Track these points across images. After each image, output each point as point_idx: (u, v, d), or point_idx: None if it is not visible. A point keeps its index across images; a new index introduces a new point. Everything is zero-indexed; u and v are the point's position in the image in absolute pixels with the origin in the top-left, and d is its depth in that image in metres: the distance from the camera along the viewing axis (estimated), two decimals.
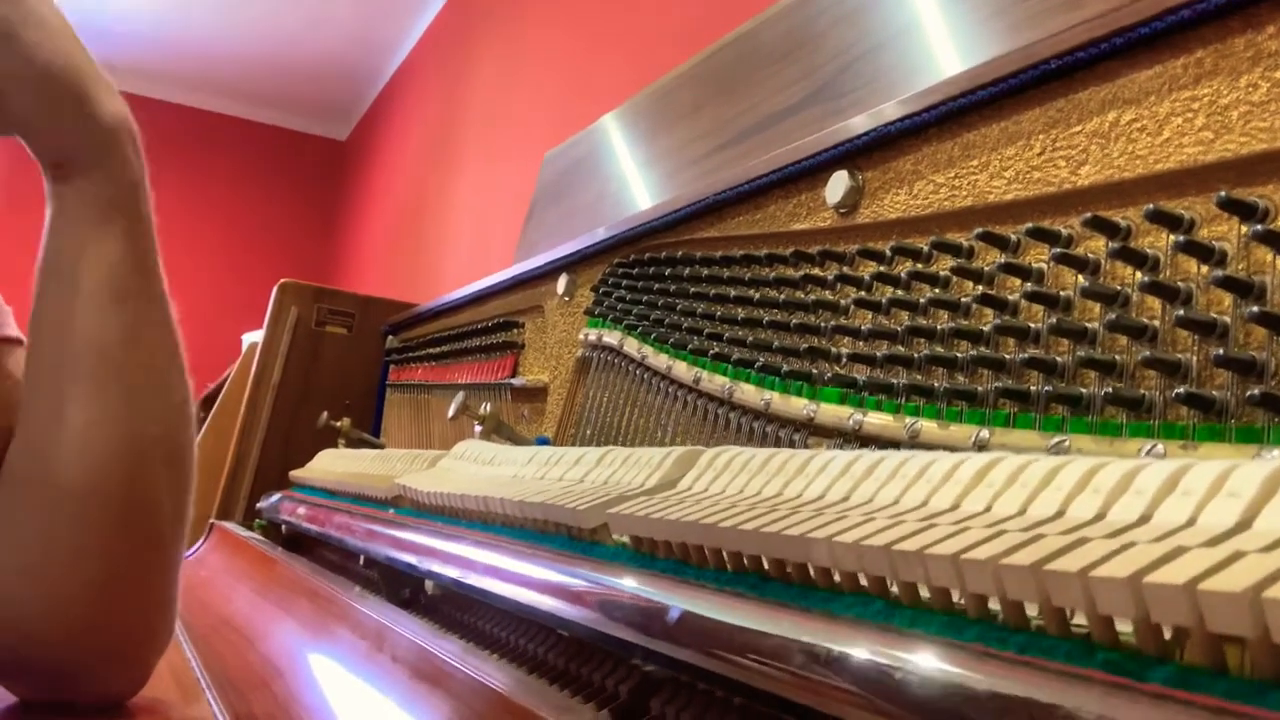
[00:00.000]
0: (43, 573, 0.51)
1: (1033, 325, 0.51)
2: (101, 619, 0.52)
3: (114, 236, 0.53)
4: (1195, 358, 0.43)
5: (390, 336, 1.75)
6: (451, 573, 0.69)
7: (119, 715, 0.54)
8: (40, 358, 0.52)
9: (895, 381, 0.57)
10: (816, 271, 0.69)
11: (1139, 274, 0.47)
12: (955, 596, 0.34)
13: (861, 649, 0.34)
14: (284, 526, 1.34)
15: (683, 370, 0.80)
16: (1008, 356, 0.52)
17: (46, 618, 0.51)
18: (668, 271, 0.89)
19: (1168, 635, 0.27)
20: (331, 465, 1.35)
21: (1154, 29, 0.47)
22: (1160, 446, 0.42)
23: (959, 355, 0.55)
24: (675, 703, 0.48)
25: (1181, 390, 0.42)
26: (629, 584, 0.48)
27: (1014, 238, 0.54)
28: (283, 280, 1.72)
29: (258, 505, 1.47)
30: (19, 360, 0.56)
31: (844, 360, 0.63)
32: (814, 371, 0.64)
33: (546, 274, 1.14)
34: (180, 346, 0.56)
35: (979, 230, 0.55)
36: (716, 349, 0.75)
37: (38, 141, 0.52)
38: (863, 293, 0.64)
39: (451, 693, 0.52)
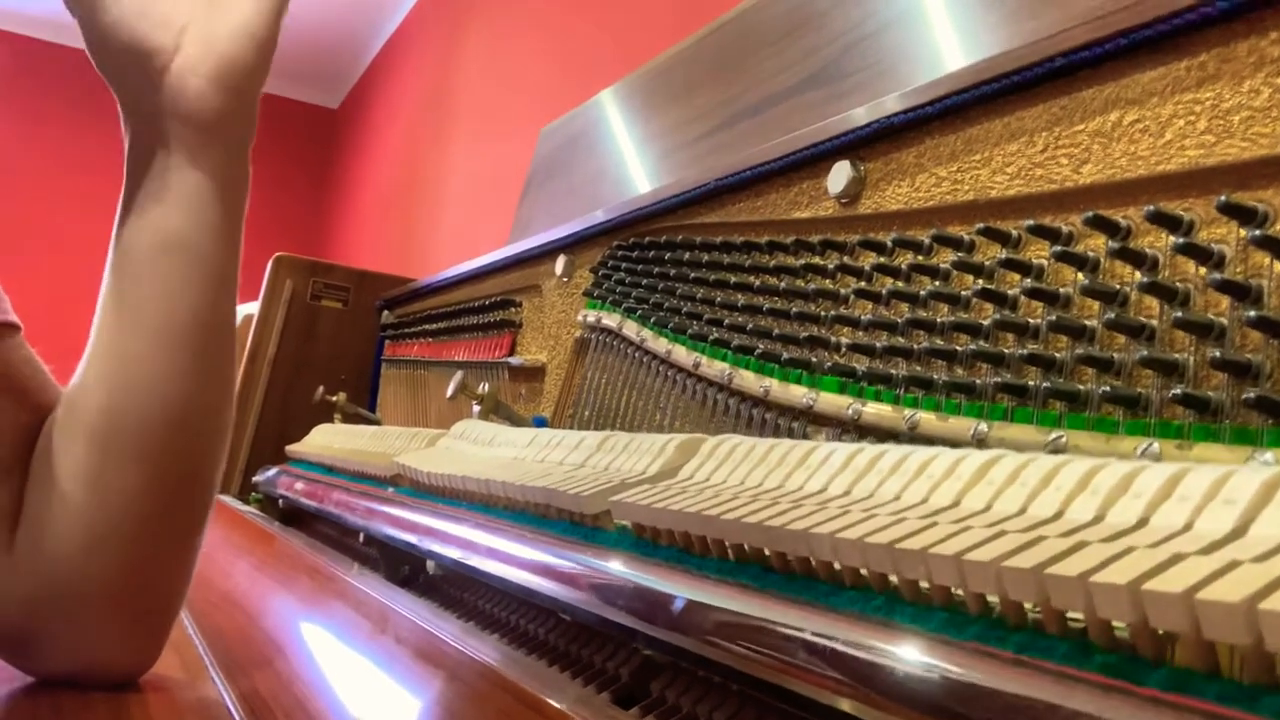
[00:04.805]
0: (92, 519, 0.53)
1: (1032, 321, 0.52)
2: (136, 576, 0.54)
3: (229, 223, 0.56)
4: (1192, 358, 0.44)
5: (386, 312, 1.75)
6: (453, 554, 0.70)
7: (131, 693, 0.55)
8: (142, 324, 0.54)
9: (894, 372, 0.58)
10: (817, 260, 0.69)
11: (1138, 274, 0.47)
12: (956, 592, 0.35)
13: (861, 644, 0.34)
14: (281, 501, 1.35)
15: (682, 355, 0.81)
16: (1007, 351, 0.52)
17: (86, 567, 0.52)
18: (668, 255, 0.89)
19: (1161, 633, 0.28)
20: (328, 441, 1.36)
21: (1158, 31, 0.47)
22: (1156, 445, 0.43)
23: (958, 348, 0.55)
24: (675, 687, 0.49)
25: (1178, 390, 0.43)
26: (631, 572, 0.49)
27: (1015, 233, 0.55)
28: (278, 254, 1.71)
29: (254, 480, 1.48)
30: (13, 347, 0.57)
31: (843, 350, 0.63)
32: (813, 360, 0.65)
33: (544, 254, 1.15)
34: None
35: (980, 225, 0.56)
36: (716, 334, 0.76)
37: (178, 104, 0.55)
38: (863, 283, 0.64)
39: (454, 674, 0.53)
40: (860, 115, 0.66)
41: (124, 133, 0.56)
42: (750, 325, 0.73)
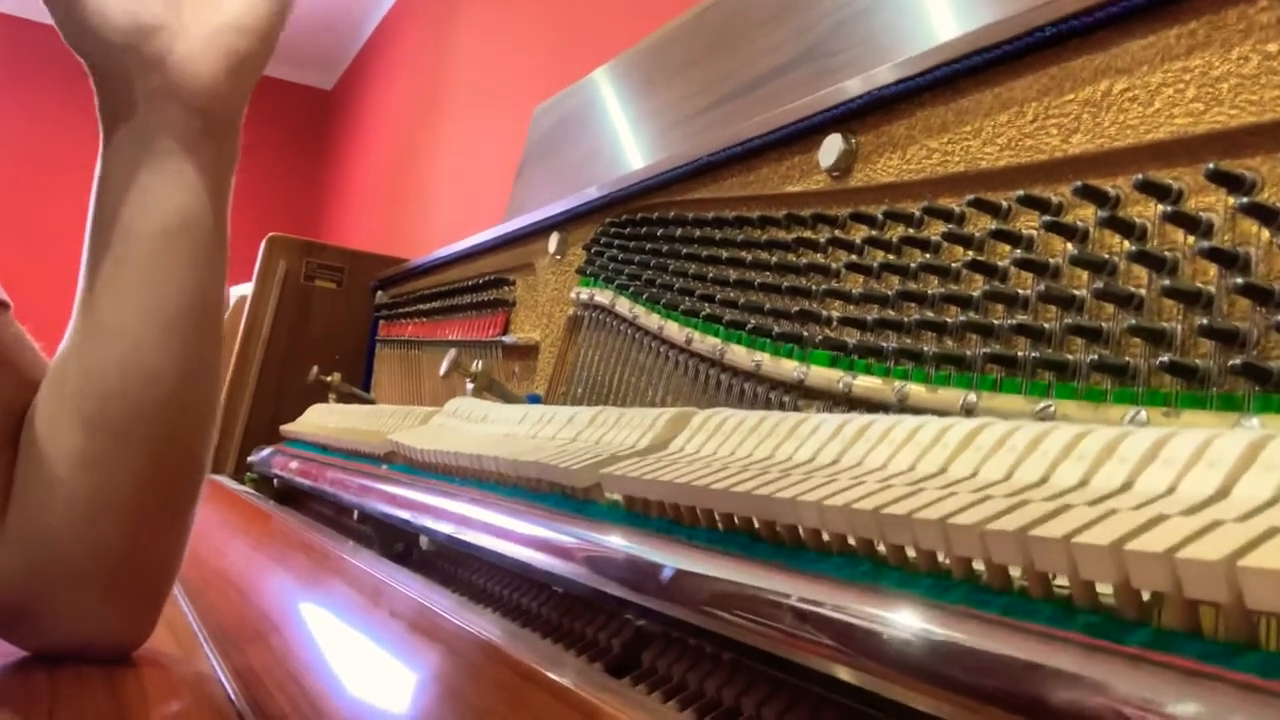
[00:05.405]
0: (86, 497, 0.53)
1: (1022, 292, 0.52)
2: (130, 552, 0.54)
3: (226, 204, 0.57)
4: (1180, 327, 0.44)
5: (380, 292, 1.74)
6: (446, 529, 0.70)
7: (125, 667, 0.55)
8: (145, 308, 0.54)
9: (885, 345, 0.58)
10: (808, 234, 0.69)
11: (1127, 243, 0.47)
12: (941, 558, 0.35)
13: (849, 608, 0.35)
14: (276, 481, 1.35)
15: (674, 331, 0.81)
16: (996, 322, 0.52)
17: (80, 543, 0.53)
18: (660, 232, 0.89)
19: (1146, 598, 0.28)
20: (323, 420, 1.36)
21: None
22: (1143, 413, 0.43)
23: (948, 320, 0.55)
24: (666, 657, 0.50)
25: (1165, 358, 0.43)
26: (622, 543, 0.49)
27: (1005, 204, 0.55)
28: (271, 234, 1.71)
29: (249, 459, 1.48)
30: (3, 324, 0.57)
31: (834, 323, 0.63)
32: (805, 334, 0.65)
33: (538, 232, 1.14)
34: None
35: (970, 196, 0.56)
36: (708, 310, 0.76)
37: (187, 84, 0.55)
38: (854, 256, 0.64)
39: (451, 648, 0.53)
40: (852, 87, 0.65)
41: (100, 116, 0.55)
42: (742, 300, 0.73)
